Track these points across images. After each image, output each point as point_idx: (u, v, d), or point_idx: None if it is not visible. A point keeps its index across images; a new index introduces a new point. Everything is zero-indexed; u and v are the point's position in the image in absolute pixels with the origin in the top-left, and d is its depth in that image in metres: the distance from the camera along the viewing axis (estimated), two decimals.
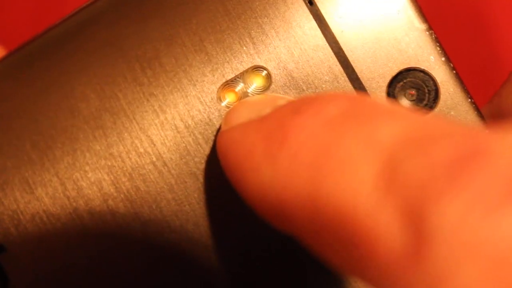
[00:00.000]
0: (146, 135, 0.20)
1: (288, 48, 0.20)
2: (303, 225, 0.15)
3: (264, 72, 0.20)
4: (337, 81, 0.20)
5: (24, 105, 0.20)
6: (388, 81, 0.20)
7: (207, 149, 0.20)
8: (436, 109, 0.20)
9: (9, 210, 0.20)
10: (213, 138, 0.20)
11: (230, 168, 0.17)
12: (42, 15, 0.34)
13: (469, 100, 0.20)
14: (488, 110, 0.25)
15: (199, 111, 0.20)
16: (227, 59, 0.20)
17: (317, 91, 0.20)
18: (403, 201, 0.13)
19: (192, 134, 0.20)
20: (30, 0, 0.35)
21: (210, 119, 0.20)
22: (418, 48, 0.20)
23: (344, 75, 0.20)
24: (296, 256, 0.20)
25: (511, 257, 0.12)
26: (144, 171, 0.20)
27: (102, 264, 0.20)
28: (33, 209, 0.20)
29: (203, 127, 0.20)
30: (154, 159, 0.20)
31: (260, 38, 0.20)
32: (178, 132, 0.20)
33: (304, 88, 0.20)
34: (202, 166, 0.20)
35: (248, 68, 0.20)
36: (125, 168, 0.20)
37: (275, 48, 0.20)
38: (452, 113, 0.20)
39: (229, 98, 0.20)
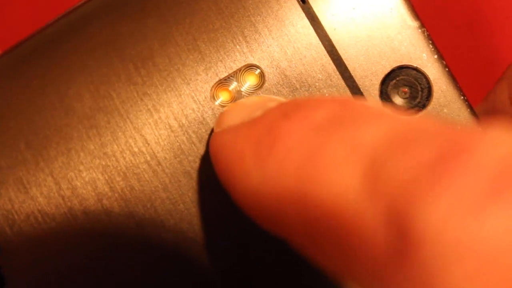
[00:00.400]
0: (140, 134, 0.20)
1: (281, 46, 0.20)
2: (293, 228, 0.15)
3: (257, 71, 0.20)
4: (330, 79, 0.20)
5: (19, 105, 0.20)
6: (381, 79, 0.20)
7: (201, 148, 0.20)
8: (429, 107, 0.20)
9: (4, 210, 0.20)
10: (207, 137, 0.20)
11: (221, 172, 0.17)
12: (42, 15, 0.34)
13: (462, 97, 0.20)
14: (483, 108, 0.25)
15: (193, 110, 0.20)
16: (221, 58, 0.20)
17: (310, 90, 0.20)
18: (387, 202, 0.13)
19: (186, 133, 0.20)
20: (30, 0, 0.35)
21: (203, 118, 0.20)
22: (410, 46, 0.20)
23: (337, 73, 0.20)
24: (291, 255, 0.20)
25: (498, 257, 0.12)
26: (139, 170, 0.20)
27: (97, 263, 0.20)
28: (28, 209, 0.20)
29: (197, 126, 0.20)
30: (148, 158, 0.20)
31: (253, 37, 0.20)
32: (172, 131, 0.20)
33: (298, 86, 0.20)
34: (196, 165, 0.20)
35: (242, 67, 0.20)
36: (119, 168, 0.20)
37: (268, 47, 0.20)
38: (445, 110, 0.20)
39: (223, 96, 0.20)
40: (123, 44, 0.20)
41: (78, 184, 0.20)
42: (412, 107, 0.20)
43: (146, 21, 0.20)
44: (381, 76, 0.20)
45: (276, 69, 0.20)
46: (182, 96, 0.20)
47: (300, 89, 0.20)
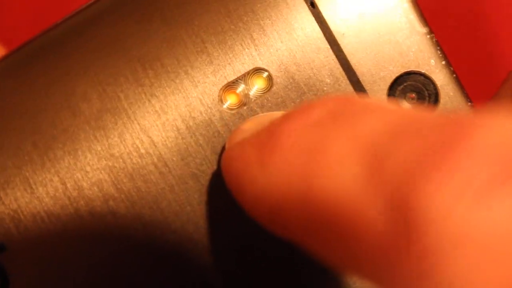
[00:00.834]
0: (148, 136, 0.20)
1: (290, 50, 0.20)
2: (298, 225, 0.15)
3: (266, 74, 0.20)
4: (338, 84, 0.20)
5: (25, 105, 0.20)
6: (388, 84, 0.20)
7: (208, 151, 0.20)
8: None
9: (10, 209, 0.20)
10: (214, 139, 0.20)
11: (230, 184, 0.17)
12: (42, 15, 0.34)
13: (469, 104, 0.20)
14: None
15: (201, 112, 0.20)
16: (229, 60, 0.20)
17: (318, 94, 0.20)
18: (390, 190, 0.13)
19: (193, 136, 0.20)
20: (30, 0, 0.35)
21: (211, 121, 0.20)
22: (418, 51, 0.20)
23: (345, 77, 0.20)
24: (297, 259, 0.20)
25: (503, 247, 0.11)
26: (145, 172, 0.20)
27: (103, 264, 0.20)
28: (34, 209, 0.20)
29: (204, 128, 0.20)
30: (155, 160, 0.20)
31: (262, 40, 0.20)
32: (180, 133, 0.20)
33: (306, 90, 0.20)
34: (203, 167, 0.20)
35: (250, 70, 0.20)
36: (126, 169, 0.20)
37: (276, 50, 0.20)
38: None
39: (231, 99, 0.20)
40: (130, 45, 0.20)
41: (85, 185, 0.20)
42: None
43: (153, 22, 0.20)
44: (389, 81, 0.20)
45: (285, 72, 0.20)
46: (190, 98, 0.20)
47: (308, 93, 0.20)
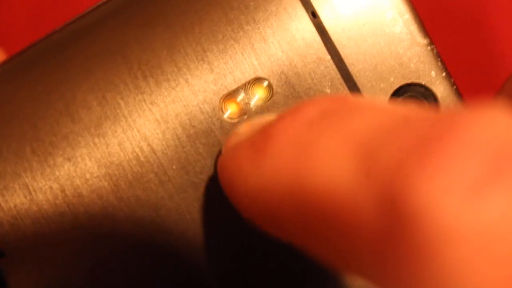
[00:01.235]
0: (148, 144, 0.20)
1: (291, 59, 0.20)
2: (293, 223, 0.15)
3: (266, 83, 0.20)
4: (339, 94, 0.20)
5: (25, 111, 0.20)
6: (389, 95, 0.20)
7: (208, 160, 0.20)
8: None
9: (9, 215, 0.20)
10: (214, 148, 0.20)
11: (225, 186, 0.17)
12: (42, 15, 0.34)
13: None
14: None
15: (201, 121, 0.20)
16: (230, 69, 0.20)
17: None
18: (382, 185, 0.13)
19: (193, 144, 0.20)
20: (30, 0, 0.34)
21: (211, 130, 0.20)
22: (419, 63, 0.20)
23: (346, 88, 0.20)
24: (296, 265, 0.20)
25: (495, 242, 0.11)
26: (145, 180, 0.20)
27: (101, 272, 0.20)
28: (33, 216, 0.20)
29: (204, 137, 0.20)
30: (155, 168, 0.20)
31: (262, 49, 0.20)
32: (180, 142, 0.20)
33: (306, 100, 0.20)
34: (203, 176, 0.20)
35: (250, 79, 0.20)
36: (126, 177, 0.20)
37: (277, 60, 0.20)
38: None
39: (231, 108, 0.20)
40: (130, 52, 0.20)
41: (84, 192, 0.20)
42: None
43: (154, 29, 0.20)
44: (389, 93, 0.20)
45: (285, 82, 0.20)
46: (191, 107, 0.20)
47: None
